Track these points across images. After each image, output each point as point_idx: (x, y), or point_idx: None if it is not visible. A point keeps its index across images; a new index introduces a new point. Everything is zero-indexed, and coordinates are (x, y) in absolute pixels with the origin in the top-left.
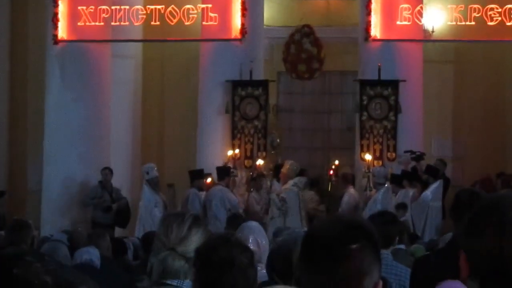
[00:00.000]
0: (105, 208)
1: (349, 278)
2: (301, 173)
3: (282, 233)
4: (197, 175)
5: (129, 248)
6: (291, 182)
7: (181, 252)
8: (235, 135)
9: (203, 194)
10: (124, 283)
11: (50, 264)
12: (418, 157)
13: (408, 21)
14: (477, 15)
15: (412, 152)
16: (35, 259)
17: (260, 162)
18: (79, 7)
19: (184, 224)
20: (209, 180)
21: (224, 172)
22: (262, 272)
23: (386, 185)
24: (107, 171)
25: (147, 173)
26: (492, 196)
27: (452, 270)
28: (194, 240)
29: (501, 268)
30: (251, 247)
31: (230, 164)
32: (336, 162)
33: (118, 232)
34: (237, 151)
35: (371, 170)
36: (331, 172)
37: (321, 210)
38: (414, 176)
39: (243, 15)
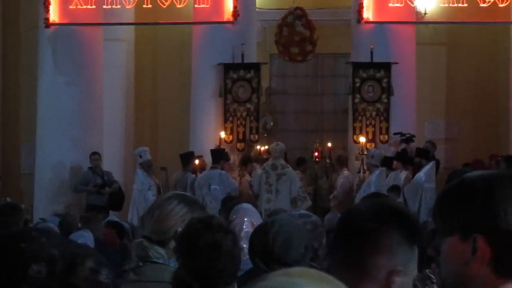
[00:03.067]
0: (99, 188)
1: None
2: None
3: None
4: (190, 158)
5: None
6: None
7: (150, 235)
8: (227, 118)
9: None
10: (117, 266)
11: (56, 238)
12: (408, 139)
13: (401, 3)
14: None
15: (401, 134)
16: (41, 234)
17: (264, 147)
18: None
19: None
20: (197, 162)
21: (218, 155)
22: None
23: (380, 167)
24: (97, 157)
25: (140, 156)
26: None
27: None
28: (161, 221)
29: None
30: (246, 229)
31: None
32: (329, 144)
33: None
34: (223, 135)
35: (366, 152)
36: (316, 153)
37: (309, 192)
38: (407, 158)
39: None
